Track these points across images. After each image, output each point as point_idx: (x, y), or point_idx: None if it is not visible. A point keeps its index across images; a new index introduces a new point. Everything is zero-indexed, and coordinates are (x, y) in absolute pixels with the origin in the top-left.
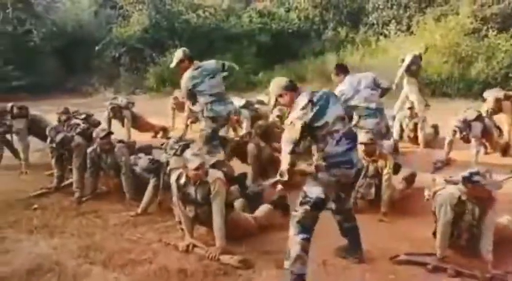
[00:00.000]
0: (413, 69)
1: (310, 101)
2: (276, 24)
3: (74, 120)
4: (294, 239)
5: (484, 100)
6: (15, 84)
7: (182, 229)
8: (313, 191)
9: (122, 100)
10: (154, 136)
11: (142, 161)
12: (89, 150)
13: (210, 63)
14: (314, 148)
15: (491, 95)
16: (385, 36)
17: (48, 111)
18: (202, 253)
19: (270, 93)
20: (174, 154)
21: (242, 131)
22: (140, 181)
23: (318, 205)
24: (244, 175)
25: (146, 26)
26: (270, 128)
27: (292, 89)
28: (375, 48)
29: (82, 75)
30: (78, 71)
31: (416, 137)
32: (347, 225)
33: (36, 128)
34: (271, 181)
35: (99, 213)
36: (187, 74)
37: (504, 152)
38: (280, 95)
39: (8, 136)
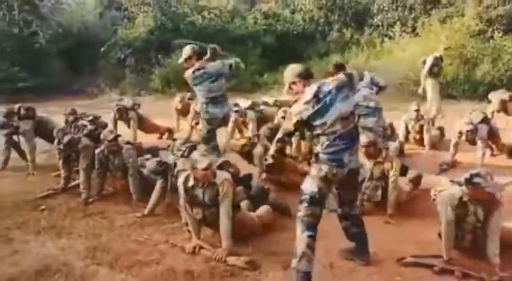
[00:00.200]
0: (435, 71)
1: (316, 95)
2: (281, 25)
3: (81, 122)
4: (299, 237)
5: (489, 102)
6: (21, 86)
7: (189, 231)
8: (307, 186)
9: (128, 101)
10: (160, 138)
11: (150, 162)
12: (97, 151)
13: (215, 66)
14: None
15: (496, 96)
16: (390, 37)
17: (54, 113)
18: (209, 254)
19: (285, 79)
20: (182, 156)
21: (248, 133)
22: (147, 183)
23: (314, 200)
24: (249, 176)
25: (151, 28)
26: (278, 130)
27: (305, 76)
28: (379, 50)
29: (87, 77)
30: (84, 73)
31: (422, 139)
32: (355, 230)
33: (43, 129)
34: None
35: (106, 214)
36: (189, 72)
37: (510, 154)
38: (294, 83)
39: (15, 137)
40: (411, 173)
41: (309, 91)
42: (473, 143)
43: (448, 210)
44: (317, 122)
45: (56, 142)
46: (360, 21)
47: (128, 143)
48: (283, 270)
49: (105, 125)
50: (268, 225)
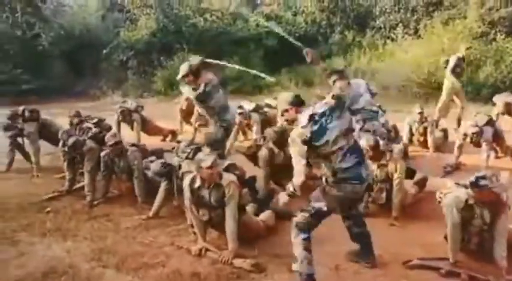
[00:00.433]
0: (458, 71)
1: (311, 118)
2: (283, 28)
3: (86, 124)
4: (295, 242)
5: (493, 104)
6: (24, 88)
7: (194, 233)
8: (318, 201)
9: (131, 103)
10: (163, 140)
11: (154, 165)
12: (102, 154)
13: (215, 79)
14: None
15: (501, 99)
16: (392, 40)
17: (57, 115)
18: (215, 257)
19: (277, 107)
20: (186, 158)
21: (252, 135)
22: (152, 185)
23: (318, 216)
24: (253, 179)
25: (154, 30)
26: (285, 133)
27: (297, 104)
28: (382, 52)
29: (90, 79)
30: (86, 75)
31: (425, 141)
32: (356, 230)
33: (47, 132)
34: (285, 197)
35: (111, 216)
36: (201, 89)
37: None
38: (286, 110)
39: (20, 139)
40: (416, 176)
41: (303, 117)
42: (478, 145)
43: (453, 212)
44: (320, 142)
45: (60, 143)
46: (362, 23)
47: (133, 145)
48: (288, 272)
49: (110, 128)
50: (272, 228)
